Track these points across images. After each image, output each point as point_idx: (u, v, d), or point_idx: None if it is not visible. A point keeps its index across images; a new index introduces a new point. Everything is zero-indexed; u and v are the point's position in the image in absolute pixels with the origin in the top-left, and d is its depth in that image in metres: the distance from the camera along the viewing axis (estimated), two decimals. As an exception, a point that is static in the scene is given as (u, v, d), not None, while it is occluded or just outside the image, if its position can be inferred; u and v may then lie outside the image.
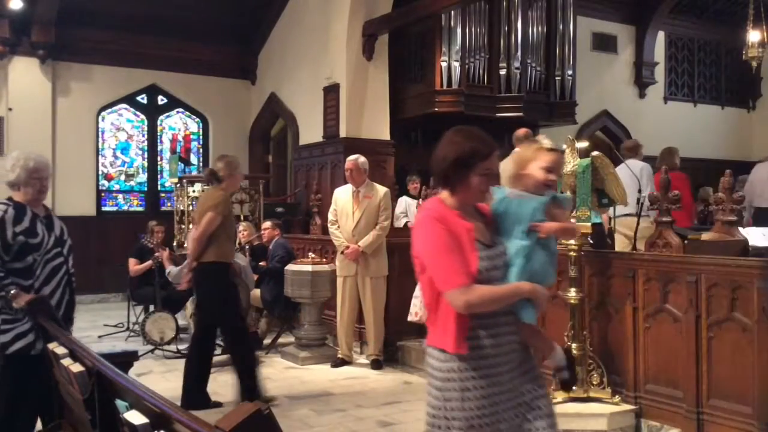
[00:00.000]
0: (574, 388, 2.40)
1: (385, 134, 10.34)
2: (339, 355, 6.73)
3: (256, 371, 5.31)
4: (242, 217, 9.09)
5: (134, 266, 7.99)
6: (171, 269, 6.95)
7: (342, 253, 6.60)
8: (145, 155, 12.43)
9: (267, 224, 7.99)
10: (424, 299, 2.55)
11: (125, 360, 3.06)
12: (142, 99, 12.31)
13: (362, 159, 6.68)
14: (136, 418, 1.87)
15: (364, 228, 6.50)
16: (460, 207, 2.47)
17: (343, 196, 6.73)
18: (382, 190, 6.69)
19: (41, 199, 3.89)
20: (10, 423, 3.66)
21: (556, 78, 11.50)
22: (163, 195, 12.43)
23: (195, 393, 5.26)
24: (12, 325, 3.65)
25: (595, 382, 4.56)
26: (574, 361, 2.61)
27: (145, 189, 12.41)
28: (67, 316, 3.94)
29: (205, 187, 6.45)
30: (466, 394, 2.37)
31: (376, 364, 6.55)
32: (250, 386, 5.21)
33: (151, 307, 7.82)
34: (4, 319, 3.67)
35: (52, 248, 3.82)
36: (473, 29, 10.77)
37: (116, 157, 12.12)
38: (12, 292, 3.59)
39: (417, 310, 6.27)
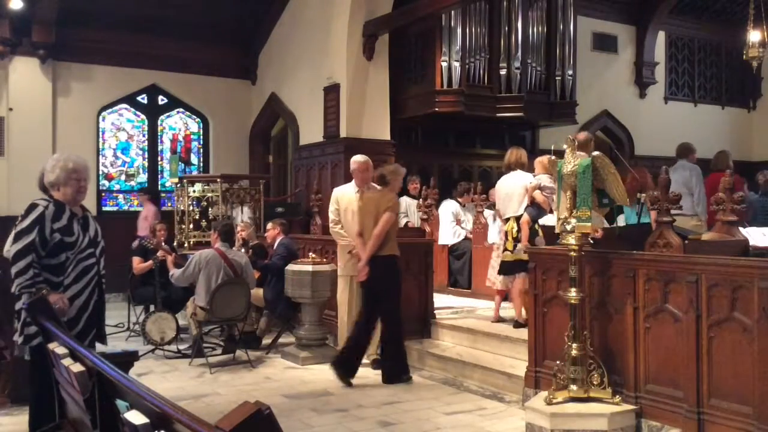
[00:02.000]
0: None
1: (385, 134, 10.34)
2: None
3: (404, 351, 6.23)
4: (242, 217, 9.10)
5: (138, 264, 7.99)
6: (174, 272, 6.96)
7: (350, 252, 6.57)
8: (146, 155, 12.43)
9: (270, 225, 8.01)
10: None
11: (125, 360, 3.07)
12: (143, 99, 12.31)
13: (369, 160, 6.74)
14: (136, 418, 1.87)
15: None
16: None
17: (346, 195, 6.72)
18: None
19: (79, 200, 4.04)
20: (39, 413, 3.72)
21: (557, 78, 11.50)
22: (163, 195, 12.43)
23: (404, 366, 6.13)
24: None
25: (595, 382, 4.56)
26: None
27: (146, 189, 12.40)
28: (97, 316, 4.05)
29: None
30: None
31: (377, 364, 6.54)
32: (394, 361, 6.06)
33: (152, 307, 7.82)
34: None
35: (86, 248, 3.95)
36: (473, 29, 10.77)
37: (117, 157, 12.12)
38: (43, 291, 3.69)
39: (492, 279, 6.93)
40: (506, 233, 6.53)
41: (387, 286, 6.07)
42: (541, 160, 6.68)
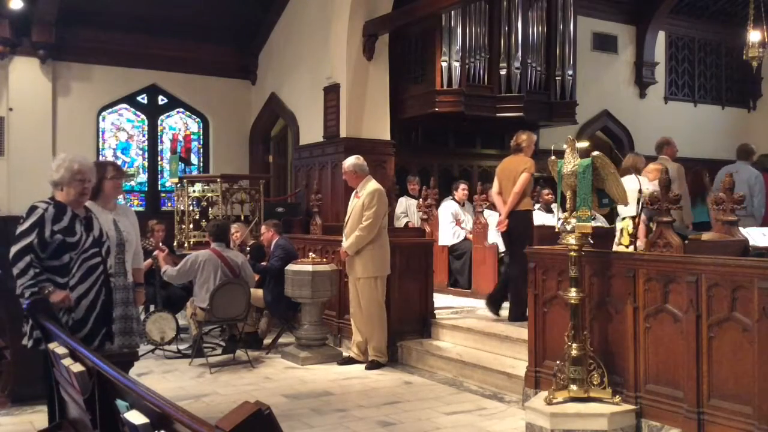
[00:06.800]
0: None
1: (385, 134, 10.34)
2: (347, 354, 6.75)
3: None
4: (242, 217, 9.09)
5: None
6: (167, 269, 6.93)
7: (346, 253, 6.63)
8: (146, 155, 12.43)
9: (263, 227, 7.98)
10: None
11: (125, 360, 3.07)
12: (143, 99, 12.32)
13: (349, 162, 6.63)
14: (136, 418, 1.87)
15: (349, 229, 6.52)
16: None
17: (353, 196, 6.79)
18: (369, 188, 6.52)
19: (83, 201, 4.04)
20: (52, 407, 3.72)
21: (557, 78, 11.51)
22: (163, 195, 12.44)
23: (523, 309, 6.39)
24: None
25: (595, 382, 4.56)
26: None
27: (146, 189, 12.41)
28: (105, 315, 4.05)
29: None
30: None
31: (371, 365, 6.53)
32: (520, 304, 6.52)
33: (152, 307, 7.81)
34: None
35: (90, 248, 3.94)
36: (473, 29, 10.78)
37: (117, 157, 12.11)
38: (49, 290, 3.71)
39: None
40: (621, 230, 6.80)
41: (521, 235, 6.70)
42: (656, 168, 6.93)
